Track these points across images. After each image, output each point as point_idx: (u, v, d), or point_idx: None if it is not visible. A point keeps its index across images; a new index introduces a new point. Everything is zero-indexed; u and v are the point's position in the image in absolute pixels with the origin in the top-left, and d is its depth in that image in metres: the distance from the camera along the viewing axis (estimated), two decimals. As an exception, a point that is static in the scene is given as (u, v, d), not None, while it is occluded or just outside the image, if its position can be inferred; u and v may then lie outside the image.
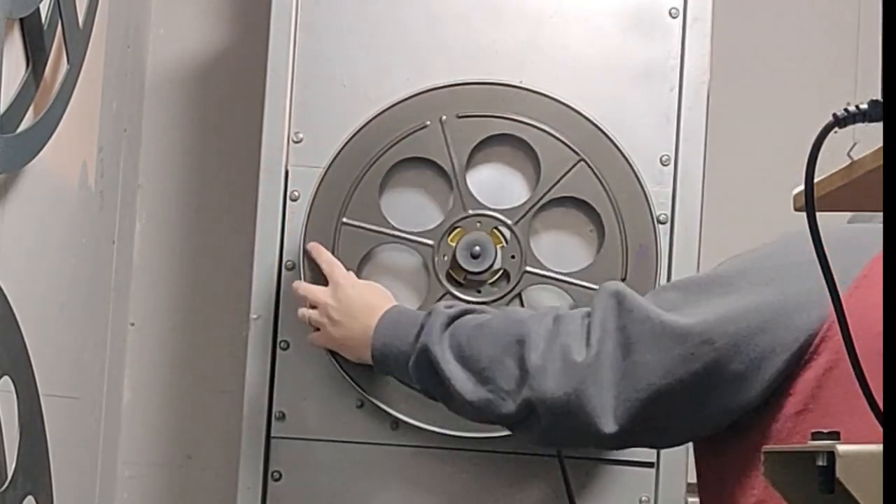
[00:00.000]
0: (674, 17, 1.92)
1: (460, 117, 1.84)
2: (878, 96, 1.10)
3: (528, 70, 1.91)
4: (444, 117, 1.83)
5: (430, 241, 1.83)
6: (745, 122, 2.57)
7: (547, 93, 1.85)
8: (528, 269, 1.82)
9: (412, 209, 1.86)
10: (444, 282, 1.83)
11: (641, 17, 1.93)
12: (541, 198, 1.83)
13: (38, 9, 1.66)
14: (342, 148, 1.85)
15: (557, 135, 1.84)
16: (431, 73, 1.90)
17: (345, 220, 1.83)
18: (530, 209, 1.83)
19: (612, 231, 1.83)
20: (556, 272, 1.84)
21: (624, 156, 1.84)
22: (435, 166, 1.85)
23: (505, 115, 1.85)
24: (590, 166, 1.83)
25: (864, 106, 1.17)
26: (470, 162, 1.85)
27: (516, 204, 1.85)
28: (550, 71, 1.91)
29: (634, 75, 1.92)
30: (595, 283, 1.80)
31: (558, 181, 1.83)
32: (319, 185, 1.84)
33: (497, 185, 1.87)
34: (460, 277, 1.83)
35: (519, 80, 1.87)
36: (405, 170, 1.86)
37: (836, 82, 2.56)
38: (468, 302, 1.81)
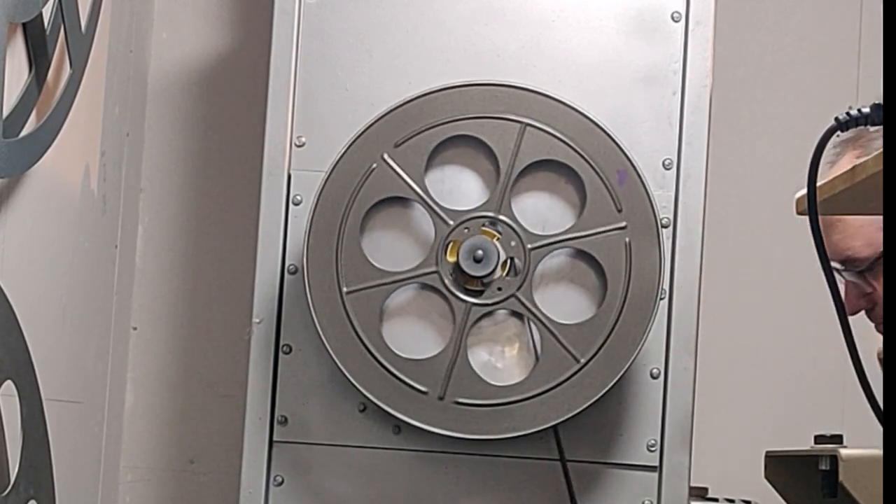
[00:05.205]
0: (676, 21, 1.92)
1: (398, 145, 1.83)
2: (880, 100, 1.10)
3: (530, 74, 1.91)
4: (385, 154, 1.82)
5: (432, 269, 1.82)
6: (747, 125, 2.57)
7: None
8: (532, 245, 1.82)
9: (398, 247, 1.85)
10: (465, 297, 1.82)
11: (643, 20, 1.93)
12: (508, 175, 1.82)
13: (40, 13, 1.66)
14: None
15: (493, 115, 1.83)
16: (434, 76, 1.90)
17: (346, 290, 1.82)
18: (505, 190, 1.82)
19: (587, 173, 1.82)
20: (558, 235, 1.83)
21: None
22: (400, 199, 1.84)
23: (444, 121, 1.83)
24: (536, 127, 1.82)
25: (865, 109, 1.17)
26: (428, 176, 1.84)
27: (487, 195, 1.84)
28: (553, 74, 1.91)
29: (636, 79, 1.92)
30: (598, 227, 1.80)
31: (516, 153, 1.82)
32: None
33: (463, 186, 1.86)
34: (476, 286, 1.83)
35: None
36: (375, 214, 1.85)
37: (837, 86, 2.56)
38: (495, 303, 1.81)
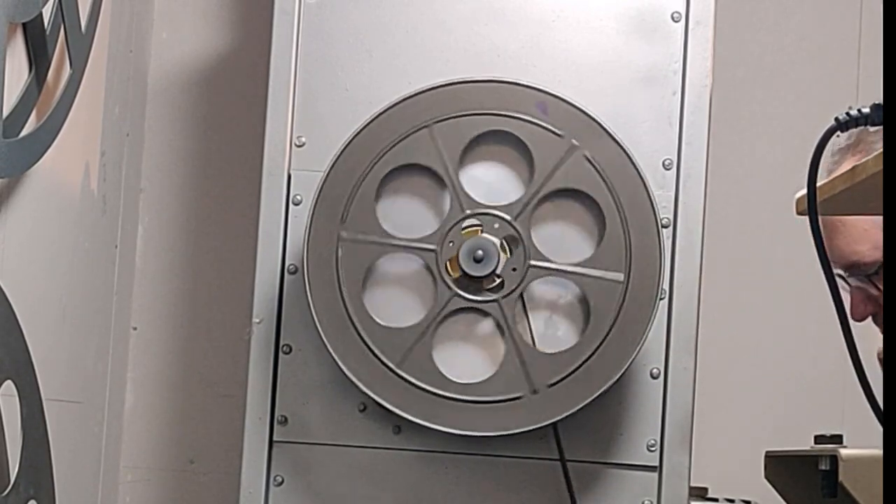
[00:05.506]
0: (676, 21, 1.92)
1: (441, 121, 1.82)
2: (880, 100, 1.10)
3: (530, 73, 1.91)
4: (431, 124, 1.81)
5: (430, 247, 1.82)
6: (747, 125, 2.57)
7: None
8: (533, 263, 1.80)
9: (410, 217, 1.84)
10: (451, 285, 1.81)
11: (643, 20, 1.93)
12: (538, 190, 1.81)
13: (40, 13, 1.66)
14: (340, 154, 1.84)
15: (541, 123, 1.82)
16: (434, 76, 1.89)
17: (343, 234, 1.81)
18: (530, 202, 1.81)
19: (612, 216, 1.81)
20: (563, 265, 1.82)
21: (625, 151, 1.83)
22: (429, 173, 1.84)
23: (491, 112, 1.82)
24: (582, 154, 1.81)
25: (865, 110, 1.17)
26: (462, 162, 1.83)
27: (512, 198, 1.84)
28: (552, 74, 1.91)
29: (636, 79, 1.92)
30: (601, 271, 1.80)
31: (553, 172, 1.81)
32: (320, 191, 1.83)
33: (492, 181, 1.85)
34: (490, 284, 1.82)
35: (528, 80, 1.86)
36: (397, 179, 1.84)
37: (837, 86, 2.56)
38: (475, 301, 1.80)
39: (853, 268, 1.79)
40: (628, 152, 1.82)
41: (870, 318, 1.85)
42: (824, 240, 1.81)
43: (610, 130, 1.82)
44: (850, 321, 1.21)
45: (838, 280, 1.82)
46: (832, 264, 1.81)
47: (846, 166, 1.77)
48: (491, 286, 1.82)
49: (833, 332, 1.43)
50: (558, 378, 1.80)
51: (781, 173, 2.50)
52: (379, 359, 1.81)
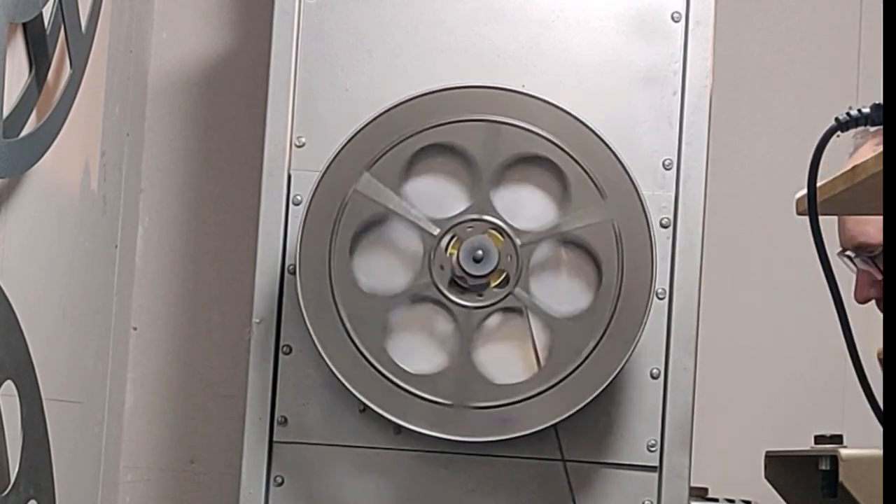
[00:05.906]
0: (676, 22, 1.93)
1: (372, 165, 1.81)
2: (880, 100, 1.10)
3: (530, 74, 1.91)
4: (358, 180, 1.81)
5: (426, 281, 1.81)
6: (747, 125, 2.57)
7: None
8: (521, 241, 1.81)
9: (391, 264, 1.84)
10: (465, 302, 1.81)
11: (643, 21, 1.93)
12: (486, 175, 1.80)
13: (40, 13, 1.66)
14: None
15: (463, 118, 1.82)
16: (434, 77, 1.90)
17: (346, 318, 1.81)
18: (485, 191, 1.80)
19: (567, 164, 1.80)
20: (546, 228, 1.82)
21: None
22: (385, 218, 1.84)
23: (415, 131, 1.81)
24: (507, 124, 1.81)
25: (865, 109, 1.17)
26: (410, 187, 1.83)
27: (470, 199, 1.84)
28: (552, 74, 1.91)
29: (637, 79, 1.92)
30: (584, 216, 1.80)
31: (491, 152, 1.81)
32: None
33: (446, 193, 1.84)
34: (473, 286, 1.82)
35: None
36: (365, 235, 1.83)
37: (837, 86, 2.56)
38: (494, 303, 1.80)
39: (860, 248, 1.81)
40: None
41: (873, 305, 1.85)
42: (836, 222, 1.81)
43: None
44: (849, 322, 1.21)
45: (846, 261, 1.82)
46: (841, 245, 1.82)
47: (866, 149, 1.77)
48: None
49: (833, 333, 1.43)
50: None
51: (781, 173, 2.50)
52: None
